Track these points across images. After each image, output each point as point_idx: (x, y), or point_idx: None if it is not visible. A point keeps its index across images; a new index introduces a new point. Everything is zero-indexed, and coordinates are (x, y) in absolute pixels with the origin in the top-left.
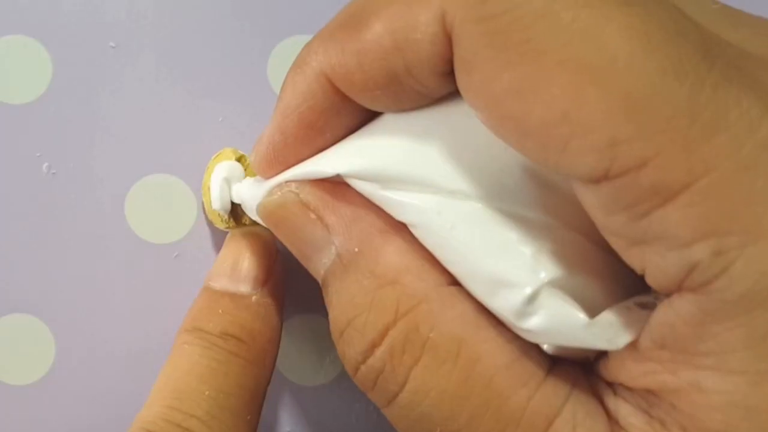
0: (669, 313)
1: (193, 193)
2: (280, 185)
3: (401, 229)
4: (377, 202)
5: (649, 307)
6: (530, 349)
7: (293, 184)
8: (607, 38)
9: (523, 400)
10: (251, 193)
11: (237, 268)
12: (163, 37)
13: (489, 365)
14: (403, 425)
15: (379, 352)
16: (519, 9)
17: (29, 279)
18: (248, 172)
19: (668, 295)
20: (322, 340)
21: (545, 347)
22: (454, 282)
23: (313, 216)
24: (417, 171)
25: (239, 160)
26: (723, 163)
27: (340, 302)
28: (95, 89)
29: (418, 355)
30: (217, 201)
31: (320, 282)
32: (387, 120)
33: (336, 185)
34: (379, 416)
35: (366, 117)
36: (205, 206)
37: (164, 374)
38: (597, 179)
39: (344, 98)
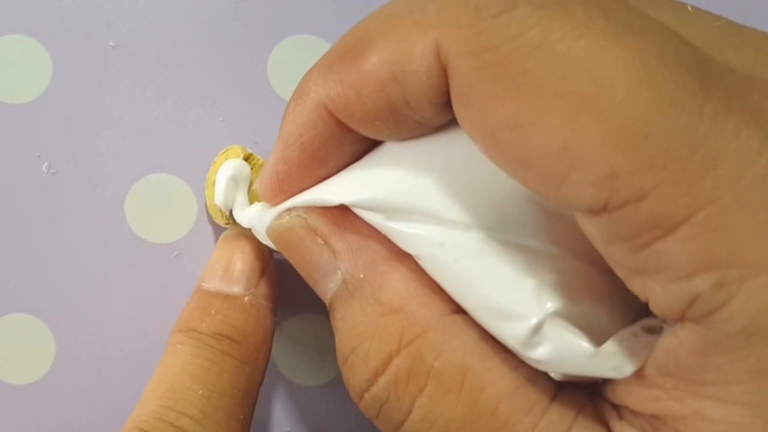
0: (673, 342)
1: (193, 193)
2: (288, 210)
3: (407, 257)
4: (383, 232)
5: (657, 332)
6: (535, 375)
7: (301, 210)
8: (603, 69)
9: (528, 427)
10: (260, 218)
11: (229, 269)
12: (163, 37)
13: (494, 393)
14: None
15: (383, 380)
16: (514, 41)
17: (29, 279)
18: (254, 171)
19: (674, 321)
20: (322, 340)
21: (552, 374)
22: (458, 310)
23: (320, 241)
24: (420, 202)
25: (247, 158)
26: (722, 195)
27: (345, 328)
28: (95, 89)
29: (422, 385)
30: (220, 196)
31: (327, 306)
32: (389, 149)
33: (344, 211)
34: None
35: (368, 145)
36: (207, 200)
37: (157, 374)
38: (597, 211)
39: (345, 128)
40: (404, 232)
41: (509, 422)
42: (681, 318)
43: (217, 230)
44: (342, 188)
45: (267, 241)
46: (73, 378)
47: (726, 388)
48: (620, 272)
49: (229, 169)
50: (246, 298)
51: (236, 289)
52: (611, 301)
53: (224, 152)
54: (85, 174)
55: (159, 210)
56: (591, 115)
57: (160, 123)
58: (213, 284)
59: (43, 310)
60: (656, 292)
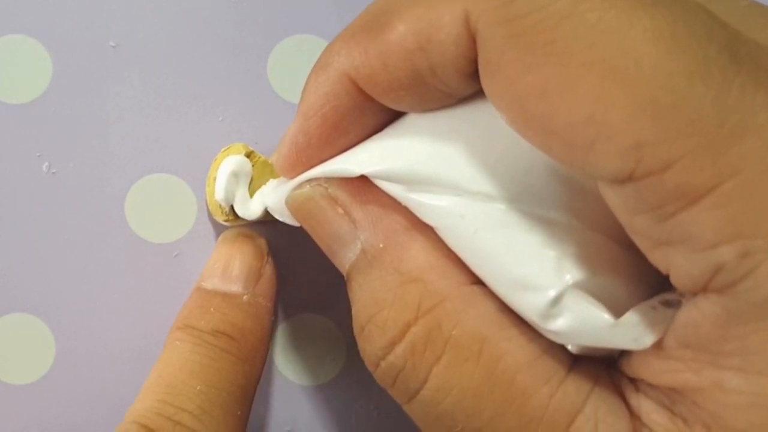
0: (694, 313)
1: (193, 193)
2: (308, 180)
3: (427, 228)
4: (403, 203)
5: (674, 306)
6: (552, 346)
7: (322, 180)
8: (632, 40)
9: (545, 397)
10: (276, 193)
11: (228, 269)
12: (163, 37)
13: (511, 363)
14: (425, 422)
15: (400, 349)
16: (543, 10)
17: (29, 278)
18: (256, 168)
19: (694, 294)
20: (322, 340)
21: (570, 347)
22: (477, 281)
23: (340, 211)
24: (441, 172)
25: (248, 155)
26: (750, 165)
27: (363, 298)
28: (95, 89)
29: (439, 353)
30: (221, 192)
31: (345, 277)
32: (411, 120)
33: (364, 182)
34: (379, 416)
35: (389, 117)
36: (208, 197)
37: (156, 370)
38: (622, 180)
39: (368, 99)
40: (424, 203)
41: (526, 392)
42: (704, 289)
43: (217, 230)
44: (363, 159)
45: (283, 217)
46: (73, 378)
47: (747, 359)
48: (642, 244)
49: (230, 165)
50: (245, 297)
51: (235, 288)
52: (630, 276)
53: (226, 149)
54: (85, 174)
55: (159, 210)
56: (619, 85)
57: (160, 123)
58: (212, 283)
59: (43, 310)
60: (679, 263)
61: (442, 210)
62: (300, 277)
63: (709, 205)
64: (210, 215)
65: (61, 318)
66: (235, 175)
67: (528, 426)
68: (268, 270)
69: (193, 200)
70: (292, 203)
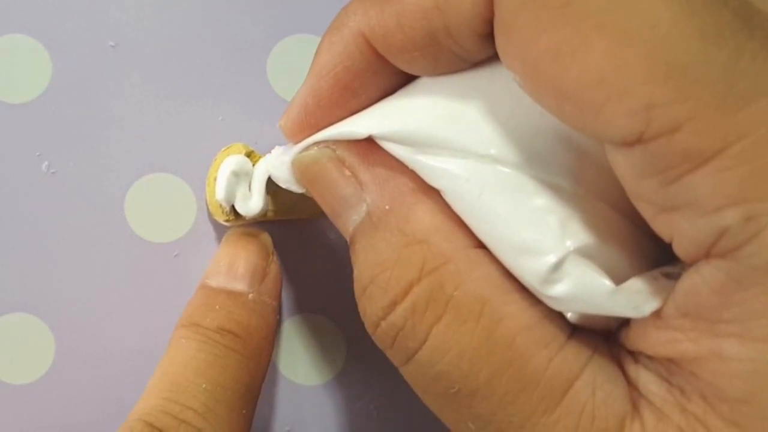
0: (695, 280)
1: (193, 193)
2: (316, 143)
3: (433, 191)
4: (410, 166)
5: (675, 277)
6: (552, 312)
7: (330, 142)
8: (646, 3)
9: (543, 361)
10: (281, 159)
11: (233, 267)
12: (162, 37)
13: (511, 326)
14: (421, 384)
15: (401, 308)
16: None
17: (29, 278)
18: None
19: (696, 262)
20: (322, 340)
21: (569, 316)
22: (481, 245)
23: (347, 172)
24: (449, 135)
25: (249, 155)
26: (757, 129)
27: (366, 259)
28: (95, 88)
29: (440, 313)
30: (221, 191)
31: (348, 240)
32: (423, 83)
33: (372, 145)
34: (379, 416)
35: (402, 80)
36: (208, 197)
37: (161, 367)
38: (631, 143)
39: (381, 60)
40: (430, 166)
41: (525, 355)
42: (706, 254)
43: (218, 230)
44: (370, 120)
45: (288, 184)
46: (73, 378)
47: (747, 325)
48: (646, 211)
49: (231, 164)
50: (250, 296)
51: (240, 286)
52: (632, 247)
53: (226, 149)
54: (85, 173)
55: (159, 209)
56: (631, 46)
57: (160, 122)
58: (217, 281)
59: (43, 310)
60: (683, 229)
61: (448, 173)
62: (300, 277)
63: (715, 168)
64: (210, 215)
65: (60, 318)
66: (236, 175)
67: (525, 389)
68: (273, 269)
69: (193, 200)
70: (298, 165)
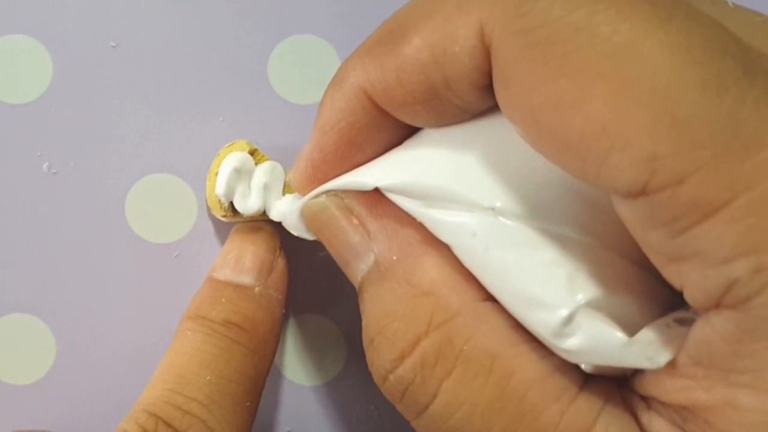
0: (706, 330)
1: (193, 193)
2: (325, 192)
3: (441, 243)
4: (417, 219)
5: (688, 323)
6: (564, 364)
7: (339, 191)
8: (647, 52)
9: (556, 414)
10: (291, 207)
11: (240, 260)
12: (163, 37)
13: (523, 380)
14: None
15: (410, 362)
16: (558, 22)
17: (30, 279)
18: (258, 165)
19: (707, 310)
20: (323, 340)
21: (583, 366)
22: (489, 297)
23: (355, 221)
24: (454, 188)
25: (252, 153)
26: (764, 180)
27: (374, 309)
28: (95, 89)
29: (450, 368)
30: (222, 187)
31: (357, 288)
32: (427, 135)
33: (379, 196)
34: (379, 416)
35: (405, 132)
36: (208, 191)
37: (166, 359)
38: (635, 194)
39: (383, 114)
40: (437, 219)
41: (536, 408)
42: (717, 305)
43: (218, 230)
44: (378, 172)
45: (298, 231)
46: (73, 378)
47: (760, 376)
48: (656, 260)
49: (233, 160)
50: (256, 289)
51: (247, 279)
52: (643, 294)
53: (229, 145)
54: (85, 174)
55: (159, 210)
56: (633, 96)
57: (160, 123)
58: (224, 274)
59: (43, 311)
60: (693, 279)
61: (455, 227)
62: (301, 277)
63: (723, 219)
64: (209, 210)
65: (61, 318)
66: (238, 172)
67: None
68: (280, 263)
69: (194, 200)
70: (307, 212)
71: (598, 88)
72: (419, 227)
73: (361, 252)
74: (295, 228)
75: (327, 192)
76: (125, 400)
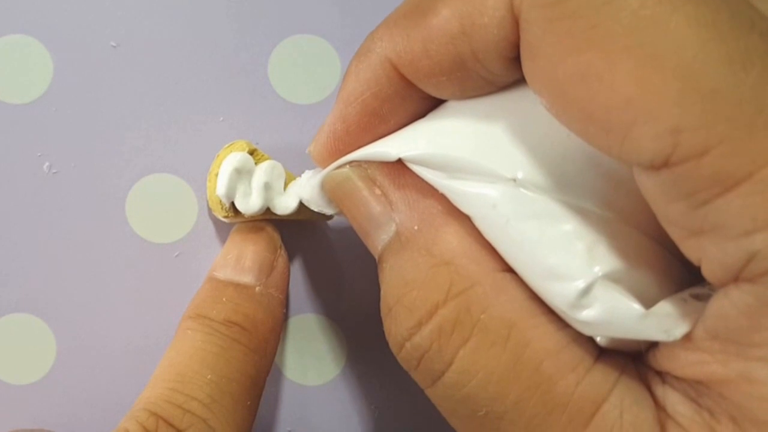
0: (724, 303)
1: (193, 193)
2: (347, 162)
3: (462, 214)
4: (439, 190)
5: (704, 299)
6: (579, 336)
7: (361, 162)
8: (674, 26)
9: (571, 384)
10: (311, 182)
11: (241, 260)
12: (163, 37)
13: (539, 350)
14: (447, 406)
15: (427, 330)
16: None
17: (30, 279)
18: (258, 165)
19: (725, 285)
20: (323, 340)
21: (598, 339)
22: (508, 269)
23: (378, 191)
24: (477, 159)
25: (251, 153)
26: None
27: (393, 278)
28: (96, 89)
29: (467, 336)
30: (222, 187)
31: (377, 259)
32: (451, 107)
33: (402, 167)
34: (380, 416)
35: (429, 105)
36: (208, 192)
37: (167, 358)
38: (658, 166)
39: (409, 85)
40: (459, 191)
41: (552, 379)
42: (735, 278)
43: (219, 230)
44: (402, 143)
45: (318, 206)
46: (73, 378)
47: None
48: (675, 234)
49: (233, 161)
50: (257, 289)
51: (247, 279)
52: (661, 270)
53: (229, 146)
54: (86, 174)
55: (160, 210)
56: (658, 69)
57: (160, 123)
58: (225, 273)
59: (44, 310)
60: (712, 252)
61: (476, 198)
62: (301, 277)
63: (744, 192)
64: (209, 211)
65: (62, 318)
66: (238, 172)
67: (553, 412)
68: (281, 262)
69: (194, 200)
70: (329, 182)
71: (624, 62)
72: (441, 198)
73: (383, 222)
74: (315, 202)
75: (350, 162)
76: (125, 399)
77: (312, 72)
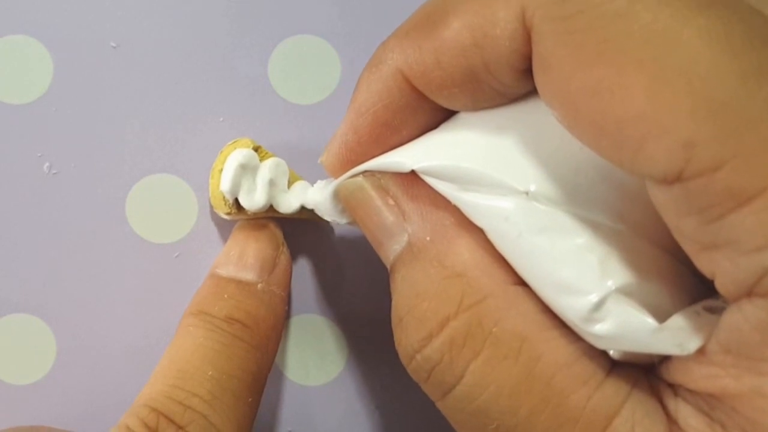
0: (737, 318)
1: (193, 193)
2: (361, 172)
3: (474, 226)
4: (452, 202)
5: (718, 312)
6: (591, 349)
7: (375, 171)
8: (687, 40)
9: (582, 398)
10: (324, 191)
11: (243, 257)
12: (163, 37)
13: (551, 363)
14: (458, 419)
15: (437, 342)
16: (598, 8)
17: (30, 279)
18: (262, 162)
19: (738, 299)
20: (323, 340)
21: (611, 352)
22: (520, 282)
23: (391, 201)
24: (490, 171)
25: (256, 150)
26: None
27: (404, 289)
28: (96, 89)
29: (478, 349)
30: (227, 183)
31: (389, 268)
32: (463, 118)
33: (415, 177)
34: (380, 416)
35: (441, 116)
36: (211, 189)
37: (168, 355)
38: (671, 180)
39: (420, 96)
40: (471, 203)
41: (563, 392)
42: (748, 293)
43: (220, 230)
44: (415, 154)
45: (332, 216)
46: (73, 378)
47: None
48: (688, 247)
49: (239, 157)
50: (259, 286)
51: (249, 276)
52: (674, 283)
53: (233, 142)
54: (86, 174)
55: (160, 210)
56: (671, 83)
57: (161, 123)
58: (227, 270)
59: (44, 311)
60: (725, 267)
61: (488, 210)
62: (301, 277)
63: (757, 207)
64: (212, 208)
65: (61, 318)
66: (243, 168)
67: (564, 426)
68: (283, 260)
69: (194, 201)
70: (343, 191)
71: (636, 75)
72: (454, 210)
73: (395, 232)
74: (328, 212)
75: (363, 172)
76: (125, 399)
77: (312, 72)
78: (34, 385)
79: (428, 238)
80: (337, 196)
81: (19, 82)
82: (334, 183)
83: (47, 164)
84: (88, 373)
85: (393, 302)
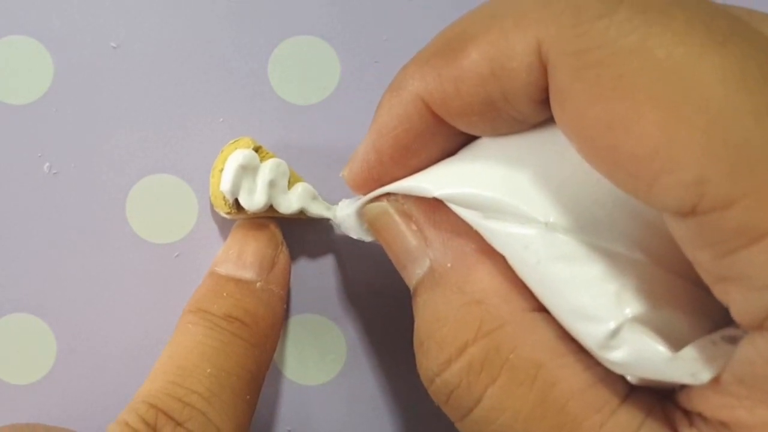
0: (750, 350)
1: (193, 193)
2: (386, 195)
3: (495, 253)
4: (476, 229)
5: (736, 342)
6: (608, 375)
7: (399, 196)
8: (700, 77)
9: (596, 425)
10: (348, 210)
11: (243, 255)
12: (163, 38)
13: (565, 390)
14: None
15: (456, 367)
16: (613, 44)
17: (30, 279)
18: (263, 162)
19: (752, 330)
20: (323, 340)
21: (629, 378)
22: (539, 308)
23: (414, 227)
24: (511, 201)
25: (256, 150)
26: None
27: (426, 314)
28: (96, 90)
29: (495, 375)
30: (227, 183)
31: (411, 291)
32: (484, 144)
33: (438, 203)
34: (380, 416)
35: (461, 140)
36: (212, 188)
37: (167, 352)
38: (685, 213)
39: (440, 122)
40: (493, 230)
41: (577, 419)
42: (760, 327)
43: (220, 230)
44: (439, 180)
45: (357, 234)
46: (74, 378)
47: None
48: (705, 277)
49: (239, 157)
50: (258, 284)
51: (248, 274)
52: (692, 310)
53: (234, 142)
54: (86, 174)
55: (160, 210)
56: (684, 121)
57: (161, 123)
58: (226, 269)
59: (44, 311)
60: (737, 300)
61: (509, 238)
62: (301, 276)
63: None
64: (212, 207)
65: (62, 318)
66: (244, 168)
67: None
68: (282, 259)
69: (194, 201)
70: (368, 214)
71: (650, 111)
72: (475, 237)
73: (418, 257)
74: (353, 230)
75: (387, 195)
76: (125, 399)
77: (312, 73)
78: (35, 385)
79: (449, 265)
80: (362, 216)
81: (19, 82)
82: (358, 203)
83: (47, 164)
84: (88, 373)
85: (415, 326)
